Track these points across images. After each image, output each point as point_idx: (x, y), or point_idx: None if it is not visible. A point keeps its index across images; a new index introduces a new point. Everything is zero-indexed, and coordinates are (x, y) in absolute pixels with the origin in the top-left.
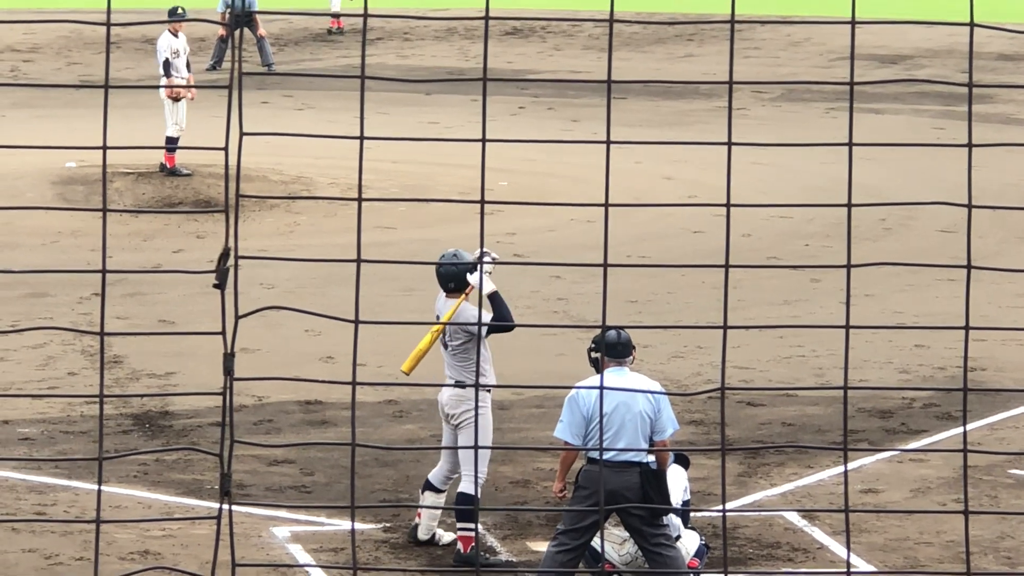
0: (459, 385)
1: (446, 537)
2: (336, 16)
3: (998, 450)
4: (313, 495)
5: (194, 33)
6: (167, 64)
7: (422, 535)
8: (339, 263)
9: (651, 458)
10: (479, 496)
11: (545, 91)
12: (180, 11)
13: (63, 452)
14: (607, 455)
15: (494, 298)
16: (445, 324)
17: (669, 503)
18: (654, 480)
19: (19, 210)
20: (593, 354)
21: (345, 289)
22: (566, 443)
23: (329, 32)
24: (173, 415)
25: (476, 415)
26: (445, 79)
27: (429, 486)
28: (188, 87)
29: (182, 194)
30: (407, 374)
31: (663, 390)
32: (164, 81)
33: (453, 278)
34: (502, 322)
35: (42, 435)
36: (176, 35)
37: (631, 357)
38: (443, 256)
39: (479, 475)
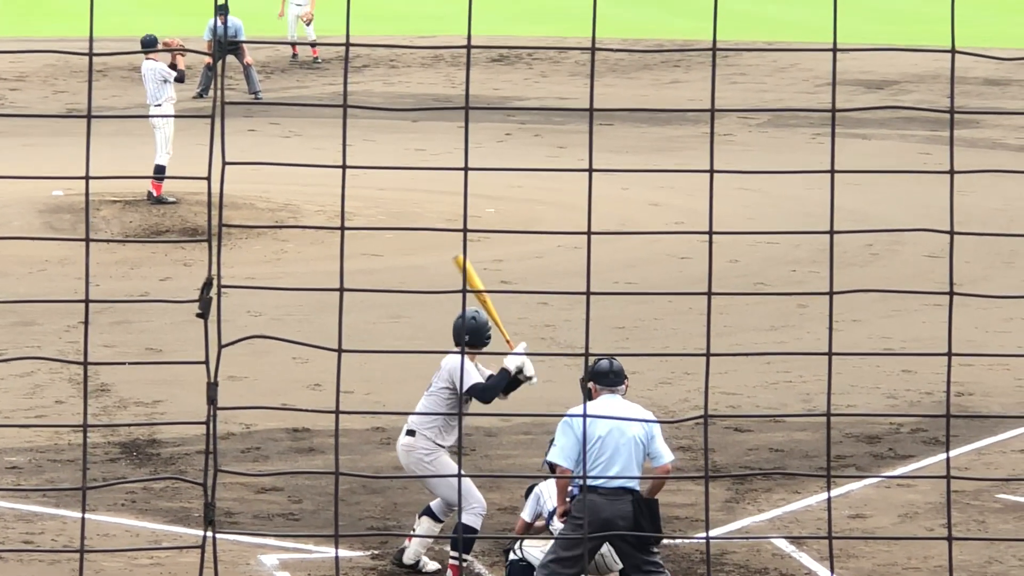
0: (409, 432)
1: (430, 566)
2: (293, 45)
3: (983, 476)
4: (301, 523)
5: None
6: (182, 76)
7: (408, 559)
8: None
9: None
10: (479, 528)
11: (532, 118)
12: (153, 38)
13: (51, 481)
14: (601, 482)
15: (502, 373)
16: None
17: (661, 532)
18: (646, 509)
19: (5, 239)
20: (588, 383)
21: (332, 316)
22: (561, 468)
23: (295, 59)
24: (160, 443)
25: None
26: (431, 107)
27: (429, 512)
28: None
29: (169, 222)
30: (457, 263)
31: (655, 419)
32: (174, 94)
33: (469, 332)
34: (484, 391)
35: (29, 464)
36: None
37: (624, 386)
38: (459, 317)
39: (475, 507)
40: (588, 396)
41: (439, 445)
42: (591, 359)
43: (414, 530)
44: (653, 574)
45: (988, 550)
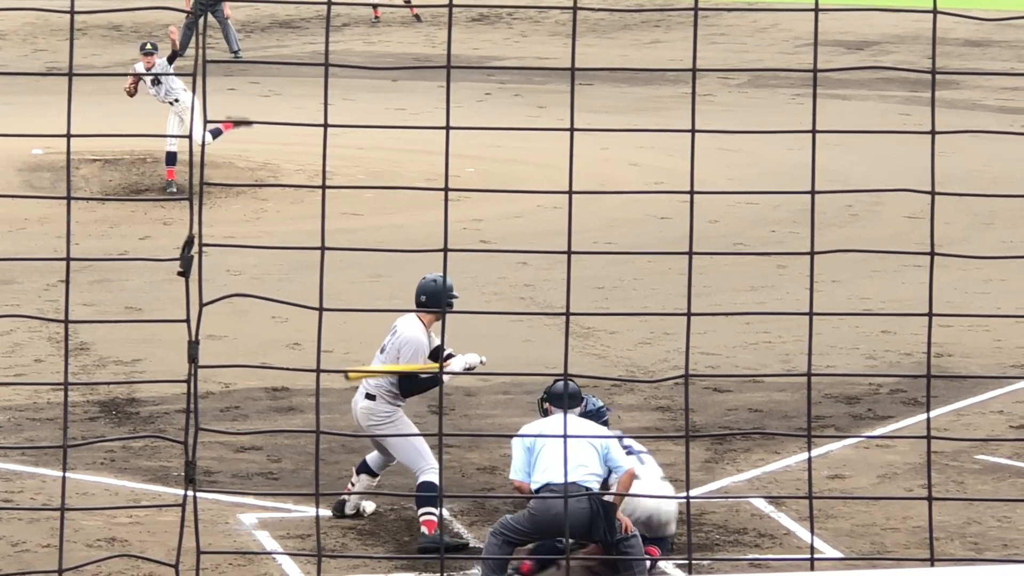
0: (369, 396)
1: (370, 507)
2: (375, 7)
3: (963, 436)
4: (280, 482)
5: (161, 19)
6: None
7: (348, 510)
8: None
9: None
10: (442, 484)
11: (512, 77)
12: (149, 46)
13: (30, 439)
14: (555, 482)
15: (435, 378)
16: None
17: (615, 533)
18: (601, 511)
19: None
20: (545, 404)
21: (312, 275)
22: (518, 482)
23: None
24: (140, 402)
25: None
26: (410, 67)
27: (365, 468)
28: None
29: (148, 181)
30: (348, 378)
31: (609, 433)
32: (170, 68)
33: (424, 292)
34: (412, 386)
35: (8, 422)
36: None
37: (579, 409)
38: (425, 278)
39: (430, 465)
40: (544, 414)
41: (398, 406)
42: (551, 380)
43: (353, 485)
44: (628, 548)
45: (967, 511)
